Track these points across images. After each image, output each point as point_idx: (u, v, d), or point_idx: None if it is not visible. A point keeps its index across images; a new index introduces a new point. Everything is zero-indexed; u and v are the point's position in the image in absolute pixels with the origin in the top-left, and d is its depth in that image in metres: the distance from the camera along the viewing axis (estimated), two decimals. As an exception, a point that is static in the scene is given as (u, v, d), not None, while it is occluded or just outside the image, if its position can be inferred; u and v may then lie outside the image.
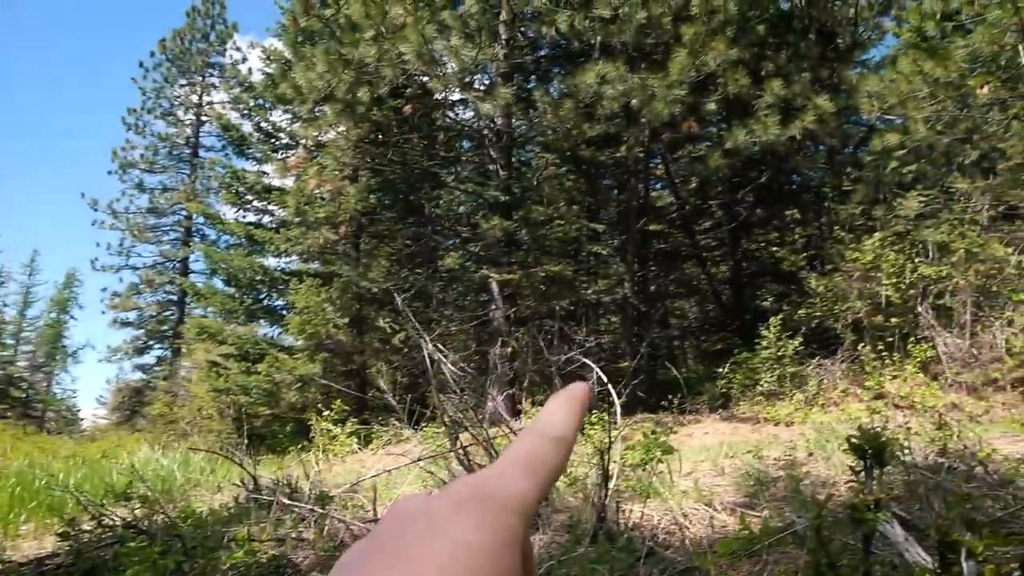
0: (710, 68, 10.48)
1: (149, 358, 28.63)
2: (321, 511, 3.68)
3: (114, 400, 27.64)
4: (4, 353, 33.10)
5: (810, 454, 5.28)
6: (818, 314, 11.53)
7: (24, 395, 31.85)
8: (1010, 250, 10.34)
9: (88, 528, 3.56)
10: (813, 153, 15.24)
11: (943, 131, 11.27)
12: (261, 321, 16.28)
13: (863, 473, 1.97)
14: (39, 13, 63.57)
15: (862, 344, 10.55)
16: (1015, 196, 11.39)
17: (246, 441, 10.12)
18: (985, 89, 10.82)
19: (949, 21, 11.31)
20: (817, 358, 10.96)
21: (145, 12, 71.83)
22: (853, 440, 1.96)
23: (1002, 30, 10.67)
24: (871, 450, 1.93)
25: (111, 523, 3.59)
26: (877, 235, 11.40)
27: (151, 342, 28.24)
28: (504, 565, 0.26)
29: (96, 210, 28.29)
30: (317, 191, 14.39)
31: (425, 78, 12.78)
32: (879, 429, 5.17)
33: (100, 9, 68.79)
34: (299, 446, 9.91)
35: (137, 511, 3.91)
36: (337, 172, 14.10)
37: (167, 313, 28.12)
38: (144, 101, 29.15)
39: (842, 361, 10.70)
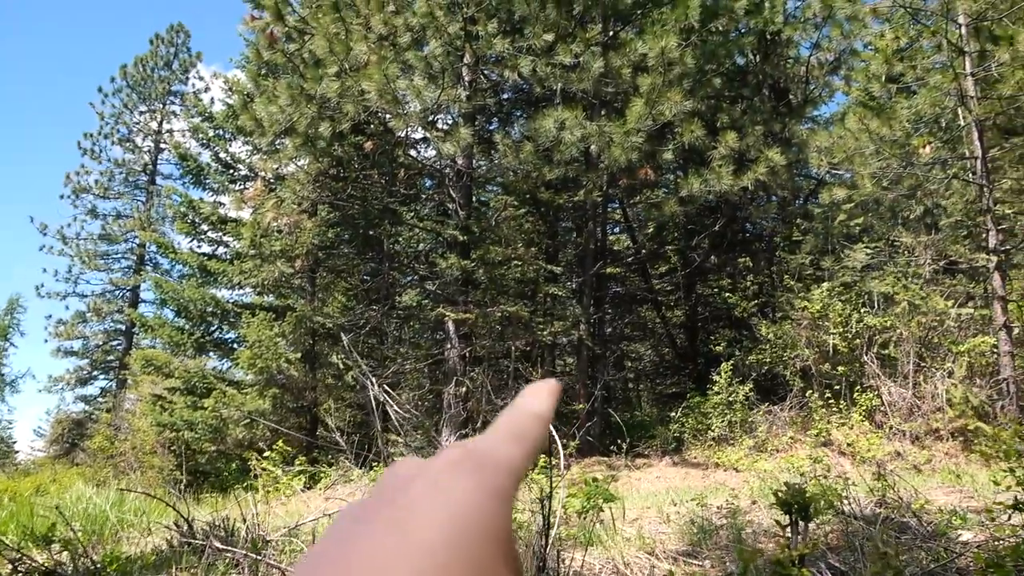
0: (666, 118, 10.76)
1: (93, 389, 27.68)
2: (256, 556, 3.56)
3: (53, 432, 26.43)
4: (-63, 380, 31.66)
5: (753, 502, 5.32)
6: (768, 360, 11.73)
7: (-44, 425, 30.52)
8: (950, 303, 10.71)
9: (4, 574, 3.38)
10: (765, 203, 15.67)
11: (888, 187, 11.71)
12: (211, 354, 15.89)
13: (790, 527, 2.00)
14: (-2, 33, 62.46)
15: (810, 391, 10.75)
16: (955, 251, 11.85)
17: (186, 479, 9.79)
18: (927, 148, 11.33)
19: (894, 83, 11.86)
20: (767, 404, 11.12)
21: (106, 37, 71.15)
22: (780, 495, 1.99)
23: (943, 94, 11.23)
24: (797, 505, 1.96)
25: (29, 568, 3.42)
26: (825, 285, 11.71)
27: (95, 373, 27.28)
28: (501, 522, 0.28)
29: (45, 235, 27.57)
30: (274, 224, 14.24)
31: (387, 116, 12.87)
32: (819, 478, 5.24)
33: (58, 30, 67.97)
34: (244, 484, 9.63)
35: (60, 555, 3.74)
36: (295, 206, 14.00)
37: (114, 343, 27.26)
38: (102, 126, 28.69)
39: (790, 408, 10.88)
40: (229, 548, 3.81)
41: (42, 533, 3.56)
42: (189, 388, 13.57)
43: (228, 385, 13.38)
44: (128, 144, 29.21)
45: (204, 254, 17.04)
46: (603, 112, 13.03)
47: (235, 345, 15.32)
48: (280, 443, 6.65)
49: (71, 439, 24.41)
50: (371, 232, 14.87)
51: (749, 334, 12.98)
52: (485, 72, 13.63)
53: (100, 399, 26.61)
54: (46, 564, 3.46)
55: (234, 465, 11.52)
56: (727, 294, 13.94)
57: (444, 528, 0.27)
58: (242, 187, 16.85)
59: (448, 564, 0.26)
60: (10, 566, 3.37)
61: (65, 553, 3.73)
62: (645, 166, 12.43)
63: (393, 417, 4.49)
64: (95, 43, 69.93)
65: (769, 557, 2.69)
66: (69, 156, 72.86)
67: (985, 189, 10.25)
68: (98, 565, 3.42)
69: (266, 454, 6.61)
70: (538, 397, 0.35)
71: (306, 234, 13.99)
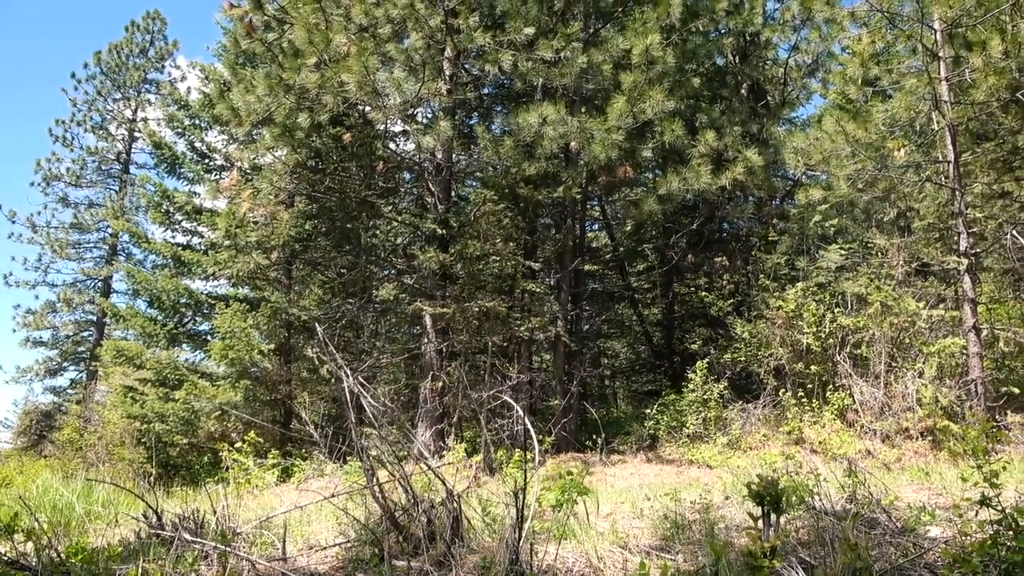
0: (647, 116, 10.78)
1: (62, 380, 27.12)
2: (225, 548, 3.51)
3: (20, 424, 25.87)
4: (-101, 369, 31.02)
5: (726, 498, 5.35)
6: (743, 359, 11.84)
7: (-81, 415, 29.90)
8: (922, 304, 10.88)
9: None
10: (742, 203, 15.79)
11: (863, 189, 11.85)
12: (183, 346, 15.68)
13: (761, 519, 2.00)
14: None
15: (783, 390, 10.86)
16: (927, 254, 12.02)
17: (157, 472, 9.66)
18: (902, 152, 11.47)
19: (870, 86, 11.99)
20: (741, 402, 11.22)
21: (82, 23, 69.65)
22: (752, 487, 2.00)
23: (918, 98, 11.38)
24: (769, 497, 1.97)
25: (-7, 559, 3.33)
26: (799, 285, 11.82)
27: (65, 364, 26.76)
28: None
29: (14, 222, 27.03)
30: (250, 214, 14.07)
31: (367, 108, 12.76)
32: (791, 474, 5.29)
33: (33, 14, 66.43)
34: (215, 478, 9.50)
35: (23, 546, 3.65)
36: (272, 197, 13.83)
37: (85, 334, 26.78)
38: (74, 113, 28.14)
39: (764, 406, 10.98)
40: (198, 539, 3.75)
41: (4, 523, 3.48)
42: (161, 380, 13.38)
43: (200, 377, 13.21)
44: (101, 132, 28.68)
45: (178, 244, 16.80)
46: (583, 109, 13.04)
47: (208, 336, 15.13)
48: (252, 434, 6.54)
49: (39, 431, 23.93)
50: (348, 225, 14.76)
51: (724, 333, 13.08)
52: (466, 66, 13.57)
53: (70, 390, 26.10)
54: (8, 555, 3.39)
55: (205, 458, 11.37)
56: (703, 293, 14.04)
57: None
58: (218, 177, 16.63)
59: None
60: (-30, 557, 3.29)
61: (29, 544, 3.65)
62: (624, 163, 12.46)
63: (368, 410, 4.46)
64: (70, 28, 68.50)
65: (741, 549, 2.70)
66: (40, 143, 71.24)
67: (957, 193, 10.42)
68: (63, 556, 3.35)
69: (237, 445, 6.49)
70: None
71: (282, 225, 13.83)
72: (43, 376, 26.67)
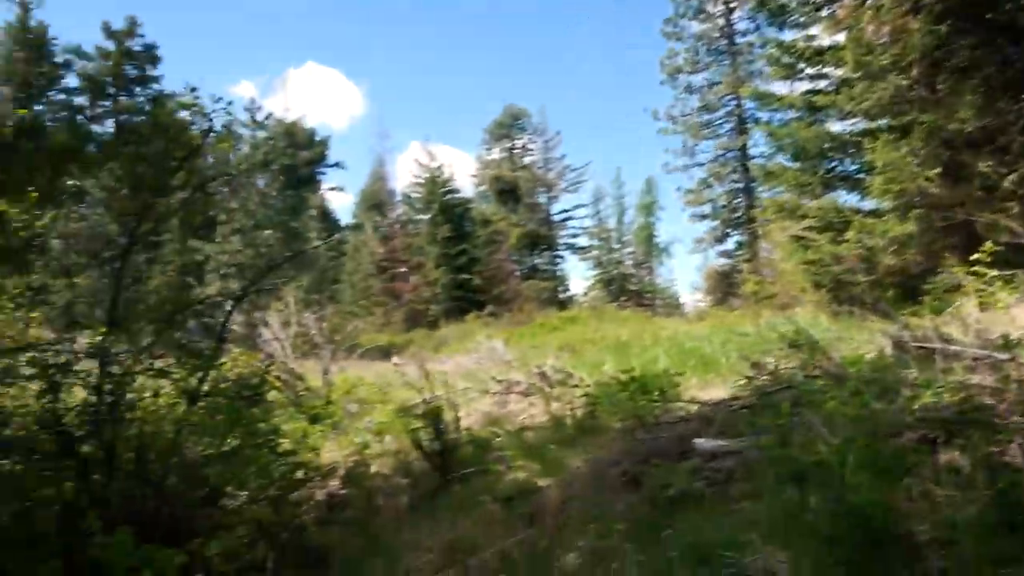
0: None
1: (729, 244, 30.60)
2: (1006, 356, 3.40)
3: (707, 285, 30.60)
4: (614, 256, 40.35)
5: None
6: None
7: (636, 288, 38.32)
8: None
9: (765, 375, 4.10)
10: None
11: None
12: (838, 190, 15.70)
13: None
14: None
15: None
16: None
17: (848, 308, 10.05)
18: None
19: None
20: None
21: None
22: None
23: None
24: None
25: (782, 371, 4.05)
26: None
27: (727, 230, 30.07)
28: None
29: (657, 119, 31.25)
30: (875, 38, 13.12)
31: None
32: None
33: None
34: (907, 310, 9.35)
35: (798, 361, 4.30)
36: (896, 8, 12.55)
37: (736, 201, 29.55)
38: (676, 7, 30.68)
39: None
40: (966, 349, 3.73)
41: (790, 340, 4.18)
42: (825, 225, 13.74)
43: (864, 216, 13.09)
44: (702, 15, 30.58)
45: (807, 92, 16.72)
46: None
47: (860, 175, 14.74)
48: (988, 244, 5.90)
49: (723, 289, 27.76)
50: (993, 13, 12.23)
51: None
52: None
53: (738, 252, 29.44)
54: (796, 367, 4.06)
55: (890, 293, 11.32)
56: None
57: None
58: (831, 10, 15.79)
59: None
60: (766, 369, 4.07)
61: (793, 361, 4.28)
62: None
63: None
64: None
65: None
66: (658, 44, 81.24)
67: None
68: (839, 365, 3.83)
69: (974, 257, 5.98)
70: None
71: (914, 37, 12.43)
72: (712, 244, 30.80)
